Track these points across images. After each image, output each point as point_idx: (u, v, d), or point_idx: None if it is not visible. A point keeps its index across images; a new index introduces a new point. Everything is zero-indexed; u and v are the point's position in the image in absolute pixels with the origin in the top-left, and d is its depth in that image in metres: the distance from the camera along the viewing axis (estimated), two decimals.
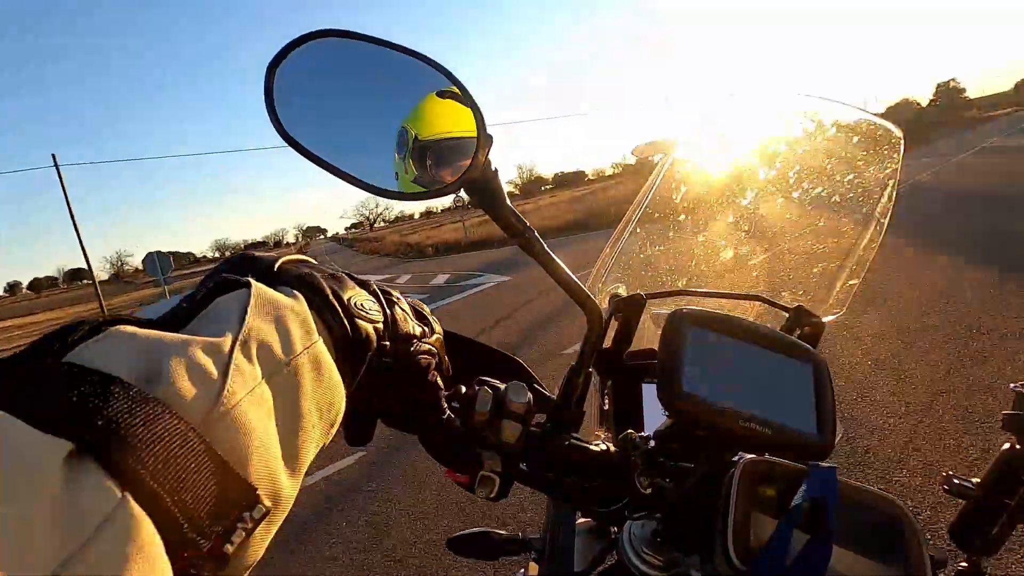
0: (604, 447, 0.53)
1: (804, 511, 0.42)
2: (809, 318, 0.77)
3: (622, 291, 0.83)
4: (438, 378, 0.48)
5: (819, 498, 0.42)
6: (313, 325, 0.33)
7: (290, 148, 0.44)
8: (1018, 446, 0.58)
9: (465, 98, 0.45)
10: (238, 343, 0.27)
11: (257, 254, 0.38)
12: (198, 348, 0.26)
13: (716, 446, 0.50)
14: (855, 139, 0.89)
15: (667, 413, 0.51)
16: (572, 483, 0.53)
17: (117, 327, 0.25)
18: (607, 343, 0.79)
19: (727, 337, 0.51)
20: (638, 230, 0.93)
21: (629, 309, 0.77)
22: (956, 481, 0.61)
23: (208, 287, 0.32)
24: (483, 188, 0.46)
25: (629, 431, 0.52)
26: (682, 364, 0.48)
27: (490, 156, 0.45)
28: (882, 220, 0.85)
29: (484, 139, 0.44)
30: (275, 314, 0.31)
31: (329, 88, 0.49)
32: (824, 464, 0.44)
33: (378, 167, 0.47)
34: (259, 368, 0.28)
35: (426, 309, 0.49)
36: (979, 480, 0.60)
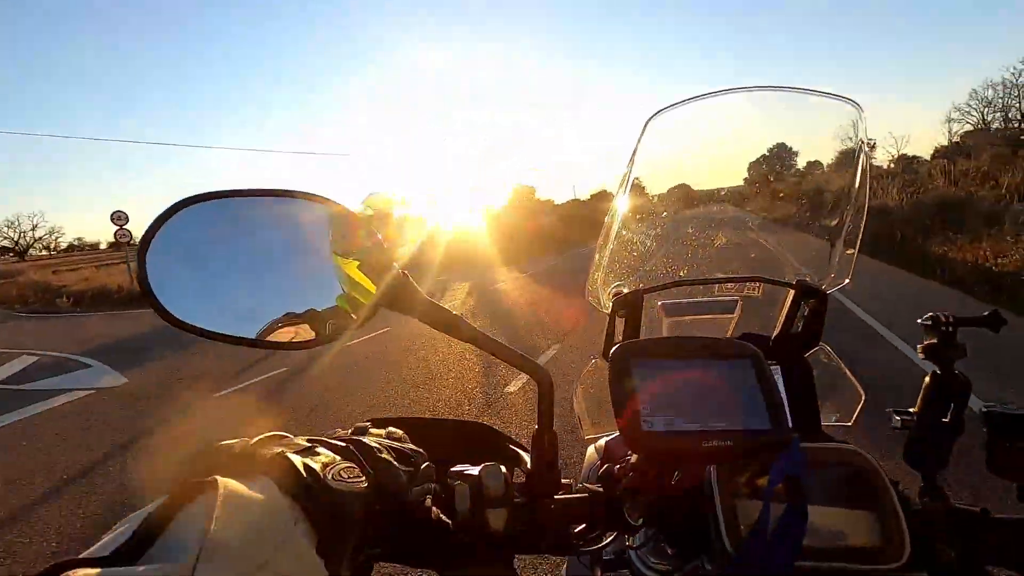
0: (589, 492, 0.54)
1: (777, 488, 0.46)
2: (812, 290, 0.81)
3: (625, 288, 0.86)
4: (440, 514, 0.48)
5: (789, 473, 0.46)
6: (289, 515, 0.32)
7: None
8: (938, 371, 0.65)
9: (357, 220, 0.47)
10: (200, 561, 0.26)
11: (226, 442, 0.37)
12: None
13: (688, 465, 0.53)
14: (818, 117, 0.94)
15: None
16: (568, 536, 0.53)
17: (71, 572, 0.24)
18: (618, 337, 0.84)
19: (670, 360, 0.52)
20: (623, 232, 0.94)
21: (631, 305, 0.81)
22: (897, 416, 0.67)
23: (171, 496, 0.30)
24: (399, 299, 0.49)
25: (609, 466, 0.54)
26: (636, 404, 0.49)
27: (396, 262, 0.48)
28: (863, 187, 0.88)
29: (382, 261, 0.47)
30: (243, 515, 0.30)
31: (213, 254, 0.47)
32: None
33: (278, 318, 0.47)
34: None
35: (407, 442, 0.49)
36: (915, 409, 0.66)
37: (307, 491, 0.34)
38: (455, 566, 0.49)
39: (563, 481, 0.54)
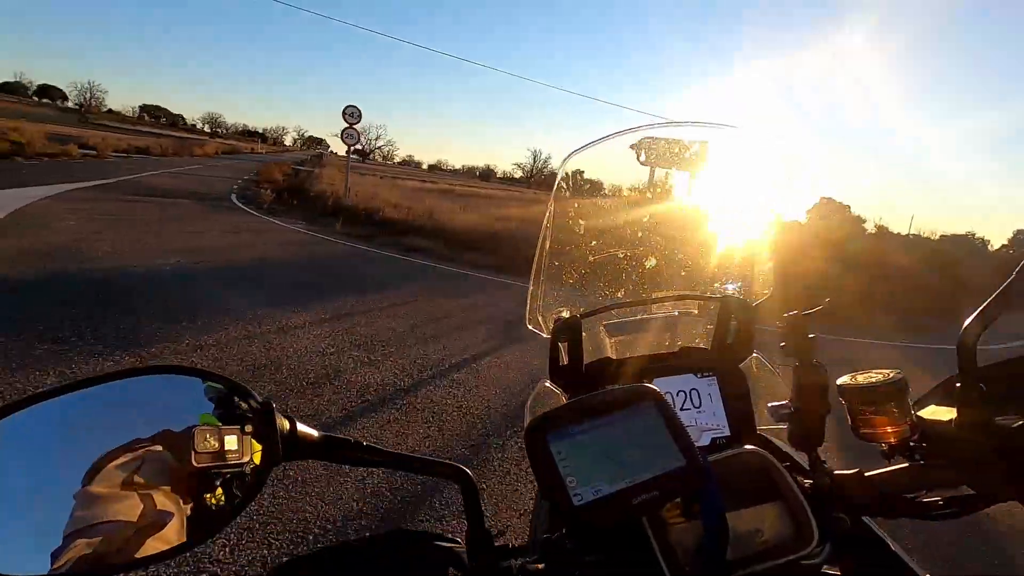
0: (531, 568, 0.54)
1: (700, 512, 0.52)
2: (737, 304, 0.88)
3: (565, 313, 0.91)
4: None
5: (710, 503, 0.51)
6: None
7: None
8: (799, 363, 0.69)
9: (220, 380, 0.43)
10: None
11: None
12: None
13: (625, 522, 0.53)
14: (710, 146, 1.04)
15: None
16: None
17: None
18: (563, 360, 0.88)
19: (583, 423, 0.53)
20: (556, 263, 1.02)
21: (571, 329, 0.87)
22: (778, 410, 0.73)
23: None
24: (296, 449, 0.46)
25: (546, 537, 0.55)
26: (562, 480, 0.49)
27: (277, 413, 0.44)
28: (773, 207, 0.99)
29: (265, 411, 0.43)
30: None
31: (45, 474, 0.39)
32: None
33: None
34: None
35: None
36: (789, 400, 0.71)
37: None
38: None
39: (503, 565, 0.54)
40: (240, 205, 14.33)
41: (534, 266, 1.00)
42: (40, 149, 21.16)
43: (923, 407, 0.66)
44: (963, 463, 0.58)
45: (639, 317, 1.07)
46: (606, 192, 1.34)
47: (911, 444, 0.64)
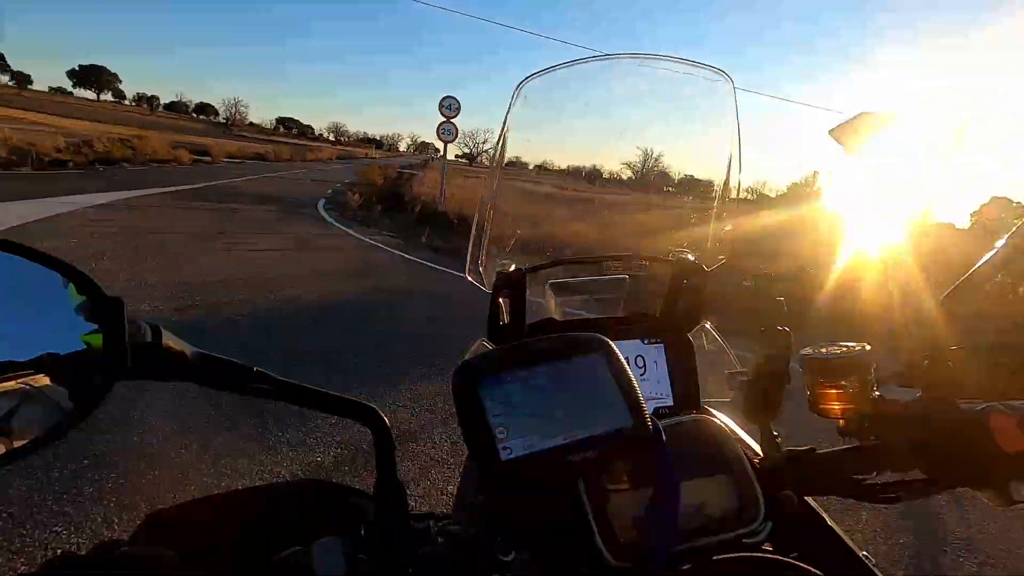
0: (448, 538, 0.49)
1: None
2: (691, 267, 0.84)
3: (510, 267, 0.83)
4: None
5: (658, 465, 0.48)
6: None
7: None
8: (764, 327, 0.64)
9: (66, 271, 0.35)
10: None
11: None
12: None
13: (558, 483, 0.49)
14: (689, 89, 0.89)
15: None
16: None
17: None
18: (504, 318, 0.82)
19: (519, 371, 0.47)
20: (502, 207, 0.93)
21: (514, 284, 0.80)
22: (738, 378, 0.71)
23: None
24: (153, 363, 0.36)
25: (465, 502, 0.54)
26: (490, 431, 0.44)
27: (141, 323, 0.36)
28: (734, 165, 0.88)
29: (112, 309, 0.34)
30: None
31: None
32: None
33: None
34: None
35: None
36: (750, 368, 0.67)
37: None
38: None
39: (418, 525, 0.49)
40: (322, 212, 12.43)
41: (477, 211, 0.92)
42: (155, 155, 21.31)
43: (885, 385, 0.62)
44: (922, 446, 0.55)
45: (587, 278, 1.01)
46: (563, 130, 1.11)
47: (867, 423, 0.60)
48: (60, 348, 0.34)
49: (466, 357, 0.65)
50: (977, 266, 0.53)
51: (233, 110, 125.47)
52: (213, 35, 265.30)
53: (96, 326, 0.34)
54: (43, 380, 0.33)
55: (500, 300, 0.81)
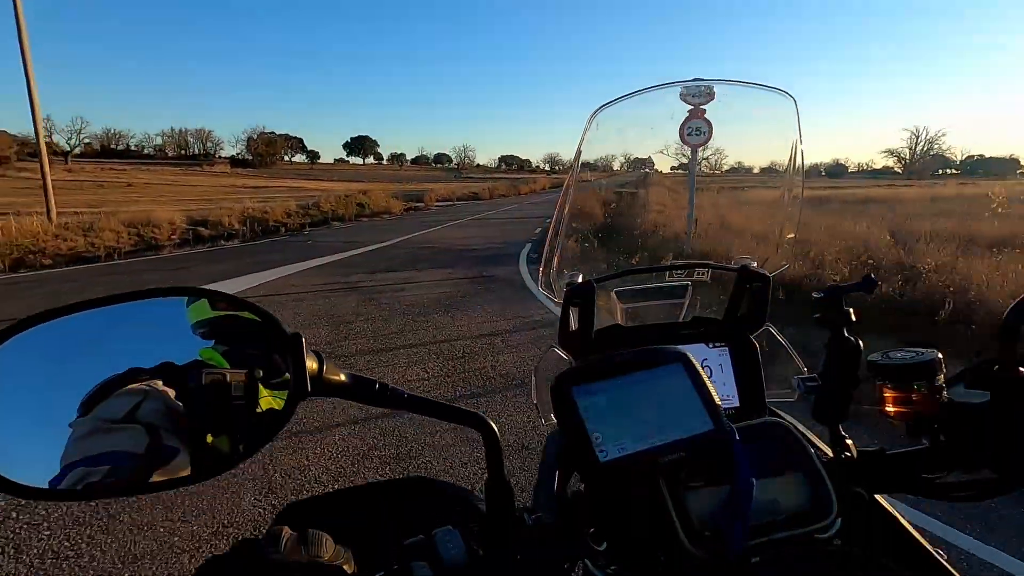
0: (548, 530, 0.52)
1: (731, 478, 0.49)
2: (754, 274, 0.85)
3: (579, 278, 0.86)
4: None
5: (735, 462, 0.49)
6: None
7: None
8: (832, 335, 0.67)
9: (255, 311, 0.41)
10: None
11: None
12: None
13: (645, 481, 0.52)
14: (757, 108, 0.94)
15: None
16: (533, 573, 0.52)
17: None
18: (574, 326, 0.84)
19: (608, 380, 0.51)
20: (575, 224, 0.98)
21: (583, 295, 0.83)
22: (805, 383, 0.71)
23: None
24: (322, 386, 0.43)
25: (566, 490, 0.56)
26: (587, 435, 0.48)
27: (306, 341, 0.41)
28: (797, 177, 0.93)
29: (293, 342, 0.40)
30: None
31: (53, 390, 0.38)
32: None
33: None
34: None
35: (329, 555, 0.43)
36: (819, 372, 0.69)
37: None
38: None
39: (522, 517, 0.53)
40: (523, 272, 8.46)
41: (551, 228, 0.96)
42: (374, 207, 20.74)
43: (952, 387, 0.61)
44: (990, 446, 0.55)
45: (652, 285, 1.02)
46: (632, 156, 1.26)
47: (936, 425, 0.60)
48: (176, 359, 0.39)
49: (538, 364, 0.83)
50: None
51: (463, 155, 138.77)
52: (443, 96, 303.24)
53: (211, 343, 0.41)
54: (159, 384, 0.38)
55: (570, 309, 0.82)
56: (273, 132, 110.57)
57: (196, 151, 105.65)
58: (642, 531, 0.52)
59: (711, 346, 0.86)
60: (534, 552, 0.50)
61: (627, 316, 0.97)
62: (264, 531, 0.42)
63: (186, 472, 0.38)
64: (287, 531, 0.42)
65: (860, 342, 0.66)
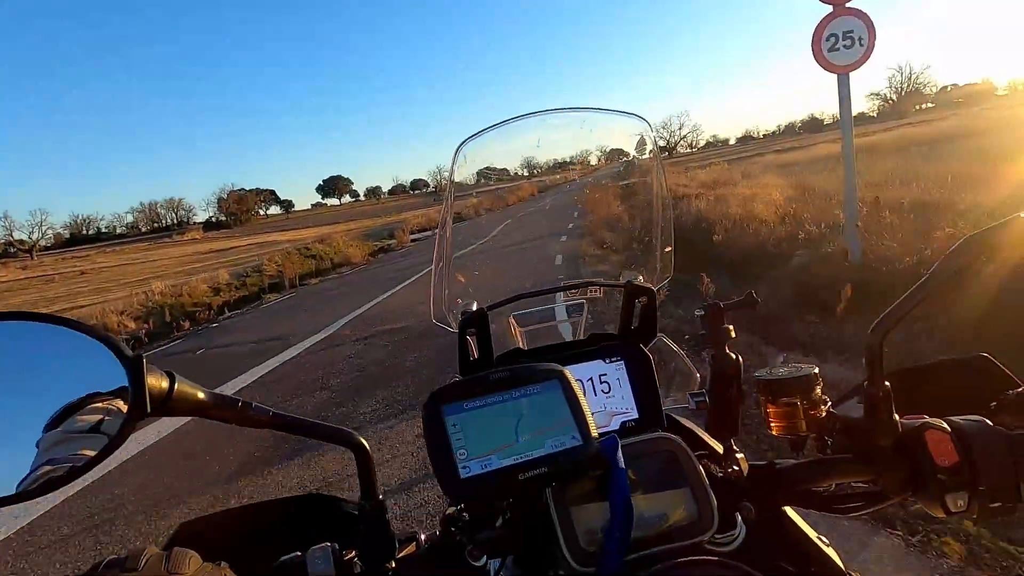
0: (427, 547, 0.54)
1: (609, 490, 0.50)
2: (640, 288, 0.85)
3: (472, 306, 0.86)
4: None
5: (611, 476, 0.50)
6: None
7: None
8: (715, 353, 0.68)
9: (94, 334, 0.41)
10: None
11: None
12: None
13: (517, 498, 0.54)
14: (615, 132, 0.99)
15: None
16: None
17: None
18: (473, 354, 0.83)
19: (479, 398, 0.52)
20: (457, 252, 0.98)
21: (477, 323, 0.82)
22: (695, 399, 0.75)
23: None
24: (166, 405, 0.42)
25: (449, 511, 0.55)
26: (450, 451, 0.49)
27: (152, 365, 0.41)
28: (663, 192, 0.98)
29: (133, 366, 0.40)
30: None
31: None
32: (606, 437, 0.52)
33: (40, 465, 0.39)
34: None
35: None
36: (706, 388, 0.70)
37: None
38: None
39: (407, 535, 0.54)
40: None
41: (434, 259, 0.96)
42: (336, 258, 16.15)
43: (839, 406, 0.64)
44: (868, 458, 0.57)
45: (547, 307, 1.04)
46: (506, 177, 1.28)
47: (821, 438, 0.62)
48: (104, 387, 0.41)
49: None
50: (906, 295, 0.52)
51: (439, 177, 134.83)
52: (409, 120, 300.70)
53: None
54: (119, 403, 0.41)
55: (467, 338, 0.82)
56: (243, 188, 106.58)
57: (169, 221, 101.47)
58: (526, 547, 0.54)
59: (607, 361, 0.84)
60: (413, 570, 0.51)
61: (526, 339, 0.99)
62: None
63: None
64: (152, 549, 0.43)
65: (739, 358, 0.67)
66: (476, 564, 0.52)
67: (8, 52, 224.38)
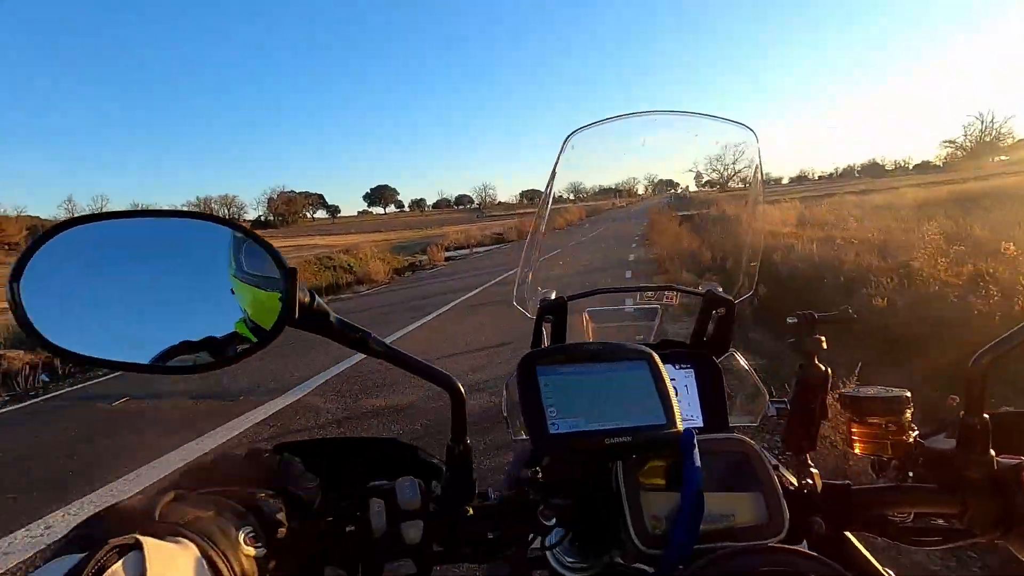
0: (502, 496, 0.54)
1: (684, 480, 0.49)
2: (720, 299, 0.83)
3: (552, 295, 0.86)
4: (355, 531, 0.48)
5: (685, 464, 0.50)
6: (208, 574, 0.32)
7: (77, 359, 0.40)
8: (803, 362, 0.67)
9: (258, 242, 0.44)
10: None
11: (128, 502, 0.36)
12: None
13: (594, 462, 0.54)
14: (719, 141, 0.97)
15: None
16: (485, 543, 0.52)
17: None
18: (546, 342, 0.85)
19: (572, 365, 0.54)
20: (549, 241, 0.95)
21: (556, 311, 0.83)
22: (775, 406, 0.74)
23: (94, 557, 0.28)
24: (308, 318, 0.45)
25: (522, 471, 0.54)
26: (542, 407, 0.51)
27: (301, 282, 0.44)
28: (758, 207, 0.95)
29: (287, 275, 0.43)
30: (174, 572, 0.30)
31: (99, 279, 0.42)
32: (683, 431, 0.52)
33: (174, 345, 0.42)
34: None
35: (300, 478, 0.48)
36: (790, 398, 0.69)
37: (225, 556, 0.35)
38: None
39: (478, 490, 0.54)
40: None
41: (526, 245, 0.96)
42: (354, 275, 14.24)
43: (928, 438, 0.60)
44: (955, 491, 0.54)
45: (622, 307, 1.04)
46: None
47: (904, 465, 0.60)
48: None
49: (508, 380, 0.80)
50: (1017, 327, 0.50)
51: (483, 194, 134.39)
52: (459, 136, 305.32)
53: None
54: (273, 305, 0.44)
55: (543, 325, 0.82)
56: (292, 191, 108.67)
57: None
58: (590, 515, 0.55)
59: (677, 367, 0.83)
60: (484, 515, 0.52)
61: (597, 336, 0.99)
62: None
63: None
64: (265, 449, 0.49)
65: (829, 371, 0.66)
66: (547, 524, 0.52)
67: (91, 45, 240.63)
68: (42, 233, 0.39)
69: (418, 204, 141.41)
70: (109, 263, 0.42)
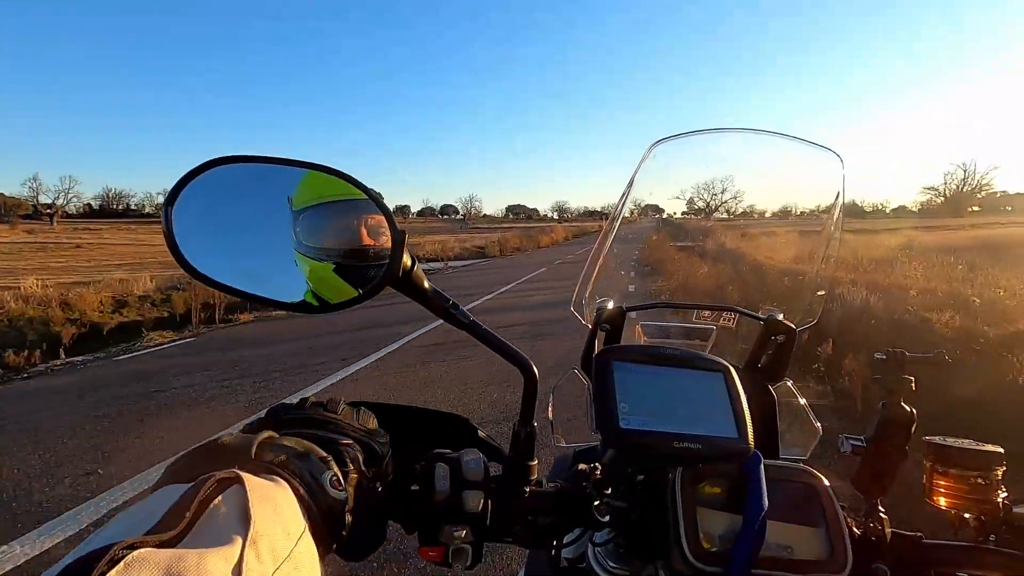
0: (559, 486, 0.54)
1: (744, 502, 0.49)
2: (780, 326, 0.80)
3: (609, 305, 0.86)
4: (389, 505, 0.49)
5: (750, 485, 0.49)
6: (299, 510, 0.33)
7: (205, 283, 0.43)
8: (888, 401, 0.63)
9: (376, 203, 0.45)
10: (247, 546, 0.26)
11: (226, 439, 0.37)
12: (215, 560, 0.25)
13: (656, 465, 0.54)
14: (803, 164, 0.92)
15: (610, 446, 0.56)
16: (536, 528, 0.52)
17: (136, 553, 0.23)
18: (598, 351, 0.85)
19: (649, 366, 0.54)
20: (615, 249, 0.96)
21: (612, 319, 0.82)
22: (850, 442, 0.66)
23: (201, 487, 0.29)
24: (406, 281, 0.47)
25: (580, 466, 0.54)
26: (615, 402, 0.52)
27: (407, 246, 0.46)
28: (835, 235, 0.89)
29: (398, 238, 0.44)
30: (272, 506, 0.30)
31: (232, 214, 0.45)
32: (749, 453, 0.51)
33: (293, 283, 0.45)
34: (267, 564, 0.27)
35: (375, 432, 0.48)
36: (868, 436, 0.64)
37: (312, 495, 0.37)
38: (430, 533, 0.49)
39: (535, 478, 0.54)
40: None
41: (593, 252, 0.95)
42: None
43: (1017, 502, 0.56)
44: None
45: (677, 324, 1.01)
46: (680, 196, 1.30)
47: (986, 527, 0.56)
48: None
49: (556, 384, 0.81)
50: None
51: (469, 205, 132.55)
52: (448, 146, 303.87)
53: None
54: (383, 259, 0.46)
55: (598, 333, 0.82)
56: None
57: None
58: (644, 520, 0.54)
59: None
60: (540, 500, 0.52)
61: None
62: None
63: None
64: (343, 400, 0.49)
65: (915, 412, 0.63)
66: (600, 520, 0.51)
67: (87, 25, 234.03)
68: (194, 167, 0.41)
69: (401, 211, 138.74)
70: (248, 202, 0.45)
